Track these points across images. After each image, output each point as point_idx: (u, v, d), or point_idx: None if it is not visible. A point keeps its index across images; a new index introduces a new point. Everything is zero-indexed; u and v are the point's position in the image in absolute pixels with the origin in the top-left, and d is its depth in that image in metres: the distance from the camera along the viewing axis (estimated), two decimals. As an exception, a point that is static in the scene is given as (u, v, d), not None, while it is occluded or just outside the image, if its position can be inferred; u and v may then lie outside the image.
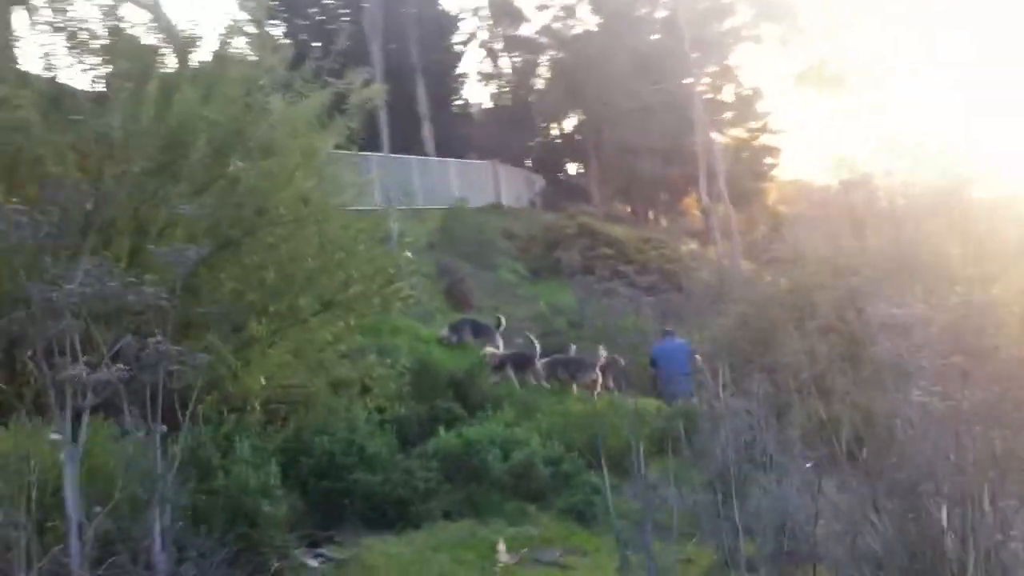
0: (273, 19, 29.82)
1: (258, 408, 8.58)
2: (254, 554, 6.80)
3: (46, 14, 8.38)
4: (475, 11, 53.28)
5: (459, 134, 45.83)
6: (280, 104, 9.31)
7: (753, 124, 51.26)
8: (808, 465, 6.03)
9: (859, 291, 9.52)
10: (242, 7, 9.77)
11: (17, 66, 8.55)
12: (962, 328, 4.70)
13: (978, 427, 4.40)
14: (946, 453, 4.46)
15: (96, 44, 8.52)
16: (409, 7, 40.18)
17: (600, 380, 16.16)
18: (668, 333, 17.40)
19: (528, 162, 52.43)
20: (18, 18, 8.71)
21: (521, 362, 16.03)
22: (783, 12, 41.50)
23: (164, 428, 4.71)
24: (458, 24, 49.70)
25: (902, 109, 26.63)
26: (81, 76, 8.60)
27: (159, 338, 4.47)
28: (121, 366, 4.38)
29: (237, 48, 9.47)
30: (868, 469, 5.19)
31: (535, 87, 54.19)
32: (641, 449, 6.19)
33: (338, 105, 9.81)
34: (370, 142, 22.09)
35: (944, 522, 4.35)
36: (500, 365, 15.57)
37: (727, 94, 51.38)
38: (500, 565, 7.87)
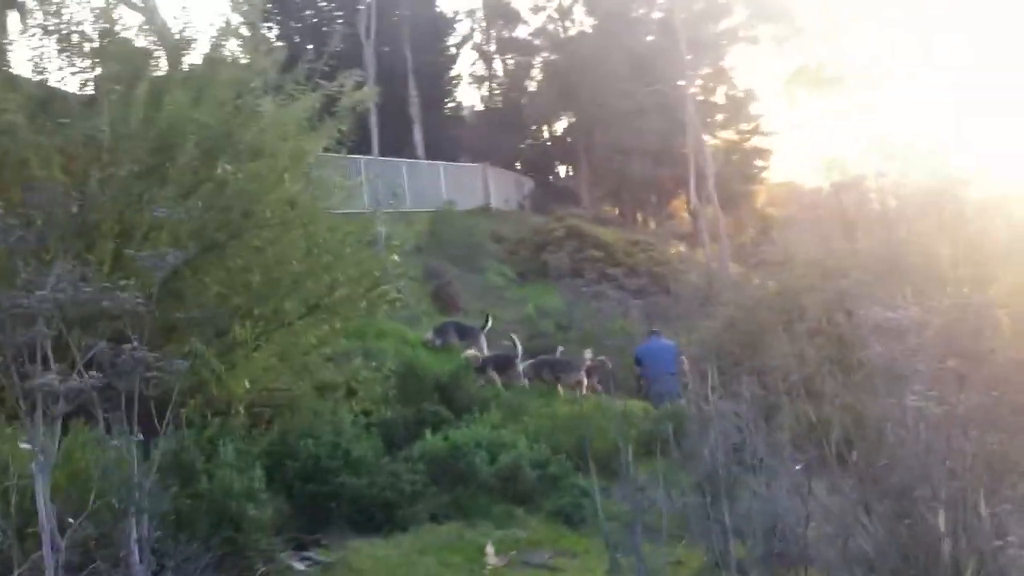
0: (266, 21, 29.80)
1: (242, 412, 8.51)
2: (239, 558, 6.75)
3: (38, 17, 8.35)
4: (470, 13, 53.47)
5: (450, 136, 45.87)
6: (271, 107, 9.26)
7: (744, 126, 51.34)
8: (798, 467, 5.97)
9: (849, 293, 9.50)
10: (235, 9, 9.70)
11: (7, 69, 8.50)
12: (957, 331, 4.66)
13: (974, 431, 4.35)
14: (942, 457, 4.40)
15: (87, 47, 8.47)
16: (404, 9, 40.19)
17: (585, 382, 16.18)
18: (654, 333, 17.39)
19: (518, 165, 52.47)
20: (9, 21, 8.67)
21: (503, 364, 16.08)
22: (779, 13, 41.52)
23: (140, 436, 4.61)
24: (454, 26, 49.81)
25: (894, 110, 26.66)
26: (71, 79, 8.58)
27: (135, 344, 4.36)
28: (94, 373, 4.27)
29: (229, 50, 9.43)
30: (859, 472, 5.14)
31: (527, 89, 54.27)
32: (629, 451, 6.14)
33: (329, 107, 9.76)
34: (360, 144, 21.99)
35: (941, 527, 4.30)
36: (482, 367, 15.57)
37: (719, 96, 51.51)
38: (488, 568, 7.83)
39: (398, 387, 11.82)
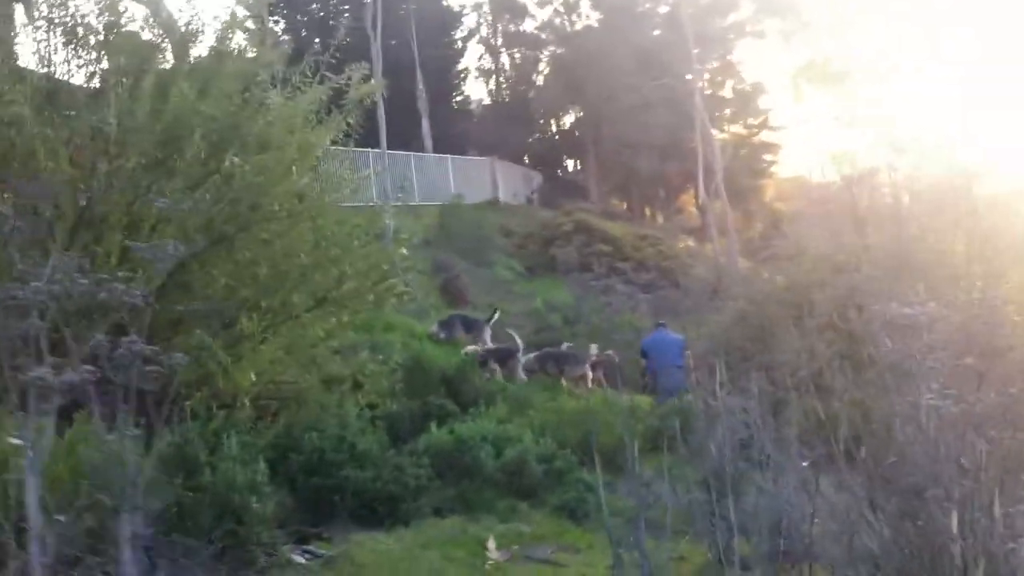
0: (273, 15, 29.79)
1: (248, 404, 8.50)
2: (241, 551, 6.73)
3: (44, 9, 8.32)
4: (477, 7, 53.42)
5: (458, 130, 45.87)
6: (277, 99, 9.24)
7: (752, 120, 51.21)
8: (805, 464, 5.93)
9: (860, 289, 9.44)
10: (241, 2, 9.68)
11: (13, 61, 8.48)
12: (975, 328, 4.60)
13: (992, 431, 4.29)
14: (956, 456, 4.35)
15: (93, 39, 8.45)
16: (411, 3, 40.14)
17: (590, 376, 16.22)
18: (660, 325, 17.35)
19: (526, 159, 52.44)
20: (15, 13, 8.64)
21: (503, 357, 16.15)
22: (786, 7, 41.31)
23: (136, 431, 4.55)
24: (461, 19, 49.80)
25: (903, 105, 26.50)
26: (77, 72, 8.56)
27: (133, 337, 4.29)
28: (89, 368, 4.20)
29: (236, 43, 9.40)
30: (867, 469, 5.09)
31: (535, 83, 54.22)
32: (635, 446, 6.10)
33: (336, 101, 9.74)
34: (368, 138, 21.99)
35: (954, 527, 4.24)
36: (483, 360, 15.61)
37: (727, 90, 51.37)
38: (491, 562, 7.80)
39: (404, 380, 11.83)
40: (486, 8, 54.20)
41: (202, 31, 9.13)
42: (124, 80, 8.33)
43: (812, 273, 15.07)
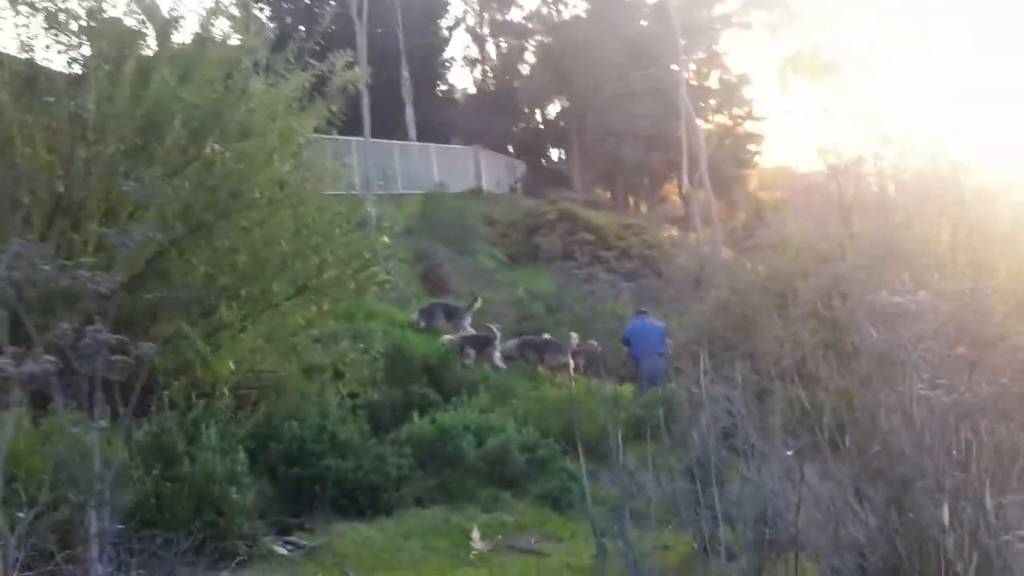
0: (257, 1, 29.61)
1: (228, 394, 8.43)
2: (221, 543, 6.66)
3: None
4: (464, -6, 53.27)
5: (442, 119, 45.71)
6: (260, 86, 9.16)
7: (737, 111, 51.23)
8: (789, 453, 5.89)
9: (845, 277, 9.41)
10: (226, -13, 9.59)
11: (-7, 46, 8.39)
12: (966, 317, 4.55)
13: (984, 421, 4.24)
14: (947, 447, 4.30)
15: (74, 25, 8.36)
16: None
17: (572, 364, 16.23)
18: (642, 313, 17.30)
19: (510, 148, 52.36)
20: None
21: (480, 345, 16.17)
22: (773, 0, 41.30)
23: (103, 423, 4.41)
24: (448, 8, 49.62)
25: (892, 98, 26.53)
26: (57, 57, 8.49)
27: (98, 326, 4.14)
28: (50, 358, 4.06)
29: (219, 30, 9.32)
30: (852, 458, 5.05)
31: (521, 72, 54.12)
32: (619, 435, 6.04)
33: (319, 88, 9.67)
34: (352, 126, 21.89)
35: (945, 520, 4.20)
36: (460, 348, 15.62)
37: (712, 81, 51.40)
38: (474, 552, 7.76)
39: (386, 369, 11.79)
40: (473, -3, 54.10)
41: (184, 17, 9.07)
42: (105, 66, 8.24)
43: (796, 262, 15.05)
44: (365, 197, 13.19)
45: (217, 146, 8.40)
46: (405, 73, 39.98)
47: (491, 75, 55.99)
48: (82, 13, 8.38)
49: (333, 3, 32.72)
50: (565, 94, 51.47)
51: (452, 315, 17.95)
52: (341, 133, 11.01)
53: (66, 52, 8.46)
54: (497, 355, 16.39)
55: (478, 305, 18.72)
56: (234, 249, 8.75)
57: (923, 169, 13.95)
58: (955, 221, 11.07)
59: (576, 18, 50.54)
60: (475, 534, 8.04)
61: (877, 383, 4.97)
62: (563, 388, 14.22)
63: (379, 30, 36.63)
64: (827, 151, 18.71)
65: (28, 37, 8.26)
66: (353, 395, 9.97)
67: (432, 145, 39.01)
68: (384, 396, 11.30)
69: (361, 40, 26.73)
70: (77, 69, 8.50)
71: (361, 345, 10.89)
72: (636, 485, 6.25)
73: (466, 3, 54.18)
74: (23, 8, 8.22)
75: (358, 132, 26.63)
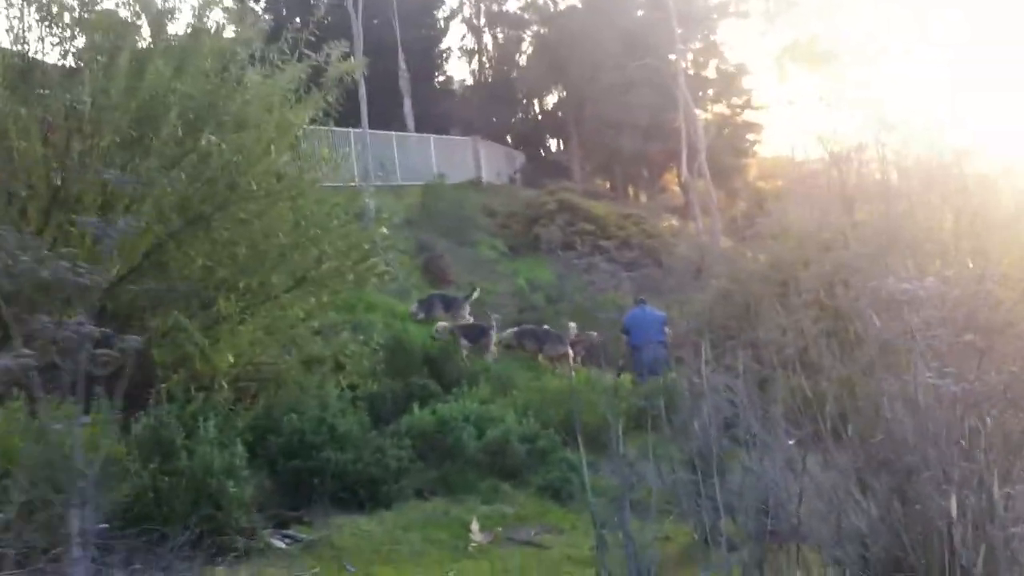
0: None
1: (226, 386, 8.40)
2: (219, 537, 6.63)
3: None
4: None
5: (440, 110, 45.62)
6: (255, 77, 9.11)
7: (736, 100, 51.11)
8: (791, 442, 5.85)
9: (847, 265, 9.37)
10: (221, -22, 9.54)
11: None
12: (975, 304, 4.50)
13: (994, 409, 4.19)
14: (956, 437, 4.25)
15: (68, 17, 8.32)
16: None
17: (571, 354, 16.20)
18: (641, 302, 17.25)
19: (509, 139, 52.26)
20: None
21: (475, 334, 16.07)
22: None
23: (87, 419, 4.30)
24: (444, -2, 49.45)
25: (891, 86, 26.45)
26: (51, 50, 8.45)
27: (80, 319, 4.01)
28: (27, 351, 3.94)
29: (214, 21, 9.28)
30: (855, 448, 5.01)
31: (518, 63, 53.99)
32: (619, 425, 6.00)
33: (316, 79, 9.62)
34: (349, 118, 21.85)
35: (954, 512, 4.14)
36: (450, 335, 15.52)
37: (710, 70, 51.28)
38: (474, 544, 7.73)
39: (386, 361, 11.75)
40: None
41: (179, 8, 9.02)
42: (99, 58, 8.21)
43: (797, 251, 14.99)
44: (364, 188, 13.11)
45: (213, 138, 8.37)
46: (402, 64, 39.88)
47: (488, 66, 55.84)
48: (76, 4, 8.33)
49: (330, -7, 32.65)
50: (562, 84, 51.32)
51: (450, 306, 17.93)
52: (338, 124, 10.95)
53: (60, 45, 8.42)
54: (492, 347, 16.28)
55: (476, 295, 18.71)
56: (232, 241, 8.73)
57: (925, 156, 13.87)
58: (958, 208, 11.01)
59: (572, 8, 50.35)
60: (475, 526, 8.00)
61: (880, 371, 4.92)
62: (563, 379, 14.18)
63: (375, 21, 36.54)
64: (827, 139, 18.60)
65: (22, 30, 8.22)
66: (353, 387, 9.94)
67: (431, 136, 38.94)
68: (384, 388, 11.27)
69: (357, 31, 26.69)
70: (71, 61, 8.46)
71: (361, 337, 10.85)
72: (637, 476, 6.20)
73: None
74: (16, 0, 8.18)
75: (356, 124, 26.58)
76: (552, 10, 51.93)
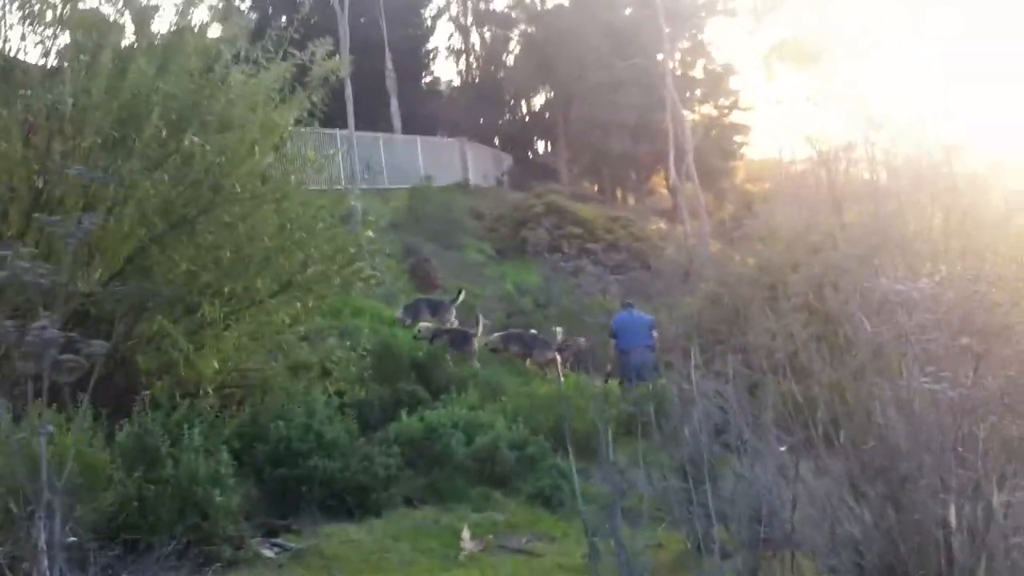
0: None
1: (211, 393, 8.31)
2: (206, 546, 6.55)
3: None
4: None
5: (427, 111, 45.58)
6: (239, 76, 9.03)
7: (723, 101, 51.16)
8: (783, 449, 5.79)
9: (837, 267, 9.32)
10: (205, -24, 9.45)
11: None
12: (971, 306, 4.45)
13: (991, 415, 4.14)
14: (952, 443, 4.20)
15: (50, 15, 8.23)
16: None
17: (559, 359, 16.15)
18: (628, 305, 17.20)
19: (496, 140, 52.25)
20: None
21: (458, 339, 15.97)
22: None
23: (50, 428, 4.17)
24: (430, -3, 49.41)
25: (882, 81, 26.48)
26: (32, 48, 8.37)
27: (44, 323, 3.87)
28: None
29: (198, 19, 9.19)
30: (847, 454, 4.96)
31: (505, 63, 53.98)
32: (609, 432, 5.95)
33: (300, 79, 9.54)
34: (335, 118, 21.75)
35: (953, 520, 4.10)
36: (432, 338, 15.39)
37: (698, 70, 51.32)
38: (464, 553, 7.66)
39: (374, 366, 11.68)
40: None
41: (162, 6, 8.94)
42: (81, 57, 8.12)
43: (786, 254, 14.96)
44: (350, 191, 13.04)
45: (196, 139, 8.28)
46: (389, 64, 39.81)
47: (476, 66, 55.80)
48: (58, 2, 8.24)
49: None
50: (550, 84, 51.32)
51: (436, 310, 17.91)
52: (324, 125, 10.87)
53: (42, 43, 8.34)
54: (476, 352, 16.17)
55: (462, 298, 18.67)
56: (217, 245, 8.63)
57: (914, 155, 13.84)
58: (947, 207, 10.98)
59: (559, 6, 50.35)
60: (465, 534, 7.94)
61: (872, 376, 4.88)
62: (552, 384, 14.13)
63: (362, 19, 36.50)
64: (816, 139, 18.55)
65: (3, 28, 8.14)
66: (340, 393, 9.84)
67: (418, 137, 38.88)
68: (372, 394, 11.17)
69: (343, 30, 26.61)
70: (53, 61, 8.38)
71: (348, 342, 10.79)
72: (627, 483, 6.16)
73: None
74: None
75: (342, 124, 26.49)
76: (539, 8, 51.97)
